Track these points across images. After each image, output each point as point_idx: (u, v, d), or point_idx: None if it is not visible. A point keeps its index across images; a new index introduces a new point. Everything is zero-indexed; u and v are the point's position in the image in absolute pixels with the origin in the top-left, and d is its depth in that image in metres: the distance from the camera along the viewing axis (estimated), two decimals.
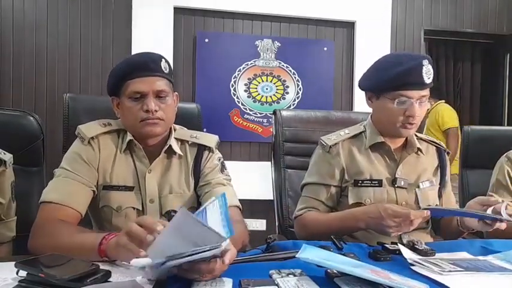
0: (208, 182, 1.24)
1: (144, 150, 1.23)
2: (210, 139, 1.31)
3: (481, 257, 1.02)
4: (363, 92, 1.39)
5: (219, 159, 1.30)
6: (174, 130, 1.29)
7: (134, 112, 1.17)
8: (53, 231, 0.99)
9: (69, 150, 1.21)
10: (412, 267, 0.92)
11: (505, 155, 1.54)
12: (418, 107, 1.26)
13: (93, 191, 1.18)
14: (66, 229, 0.99)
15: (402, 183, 1.34)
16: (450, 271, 0.88)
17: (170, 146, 1.24)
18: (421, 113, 1.28)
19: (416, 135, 1.41)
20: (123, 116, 1.22)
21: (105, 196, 1.20)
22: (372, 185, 1.33)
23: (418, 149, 1.39)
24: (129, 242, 0.79)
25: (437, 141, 1.47)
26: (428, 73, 1.25)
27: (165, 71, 1.20)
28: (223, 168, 1.29)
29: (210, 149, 1.29)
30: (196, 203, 1.27)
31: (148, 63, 1.17)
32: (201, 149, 1.29)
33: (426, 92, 1.28)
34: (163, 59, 1.21)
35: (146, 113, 1.15)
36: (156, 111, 1.16)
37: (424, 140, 1.45)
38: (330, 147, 1.37)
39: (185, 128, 1.33)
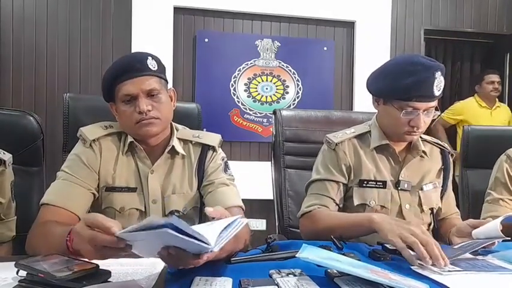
0: (212, 181, 1.24)
1: (146, 151, 1.23)
2: (213, 138, 1.30)
3: (480, 257, 1.02)
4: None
5: (223, 159, 1.29)
6: (177, 130, 1.28)
7: (128, 115, 1.16)
8: (47, 232, 0.98)
9: (71, 152, 1.21)
10: (412, 267, 0.92)
11: (504, 153, 1.54)
12: (424, 116, 1.25)
13: (93, 194, 1.18)
14: (59, 231, 0.96)
15: (405, 185, 1.34)
16: (450, 271, 0.88)
17: (173, 146, 1.24)
18: (426, 122, 1.27)
19: (421, 137, 1.40)
20: (120, 120, 1.22)
21: (108, 198, 1.20)
22: (376, 186, 1.32)
23: (423, 151, 1.38)
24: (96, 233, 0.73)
25: (442, 143, 1.46)
26: (439, 85, 1.21)
27: (153, 69, 1.18)
28: (226, 167, 1.28)
29: (213, 149, 1.29)
30: (199, 203, 1.27)
31: (134, 64, 1.15)
32: (205, 148, 1.28)
33: (434, 103, 1.25)
34: (149, 57, 1.18)
35: (140, 114, 1.15)
36: (149, 110, 1.15)
37: (429, 142, 1.44)
38: (336, 144, 1.36)
39: (187, 128, 1.33)
